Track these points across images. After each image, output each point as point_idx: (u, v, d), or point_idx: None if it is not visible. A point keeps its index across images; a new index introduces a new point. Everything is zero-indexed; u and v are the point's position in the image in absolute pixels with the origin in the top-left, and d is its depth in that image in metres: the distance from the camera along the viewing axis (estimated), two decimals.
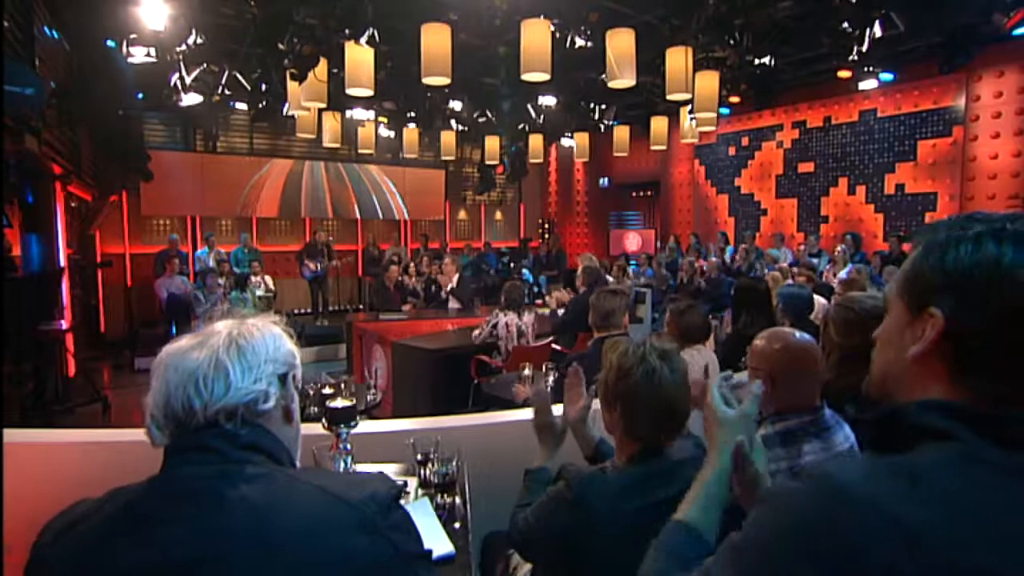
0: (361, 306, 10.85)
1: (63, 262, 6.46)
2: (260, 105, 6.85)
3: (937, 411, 0.63)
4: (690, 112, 6.37)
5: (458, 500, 1.70)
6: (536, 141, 8.92)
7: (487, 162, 9.80)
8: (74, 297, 7.48)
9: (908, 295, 0.69)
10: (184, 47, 4.06)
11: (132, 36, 4.12)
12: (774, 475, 1.61)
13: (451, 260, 7.90)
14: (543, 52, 4.15)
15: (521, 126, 8.76)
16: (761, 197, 10.52)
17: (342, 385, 3.57)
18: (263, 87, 6.47)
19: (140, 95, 5.94)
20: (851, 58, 6.55)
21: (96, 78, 5.15)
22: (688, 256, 9.52)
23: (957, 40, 6.64)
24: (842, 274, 8.04)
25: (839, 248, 8.03)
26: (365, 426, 2.73)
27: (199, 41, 4.10)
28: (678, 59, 4.81)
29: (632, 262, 10.41)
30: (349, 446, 1.80)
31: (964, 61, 6.80)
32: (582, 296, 5.10)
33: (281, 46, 4.57)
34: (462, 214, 13.33)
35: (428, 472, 1.73)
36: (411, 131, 8.30)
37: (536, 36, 4.14)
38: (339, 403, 1.79)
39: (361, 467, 1.90)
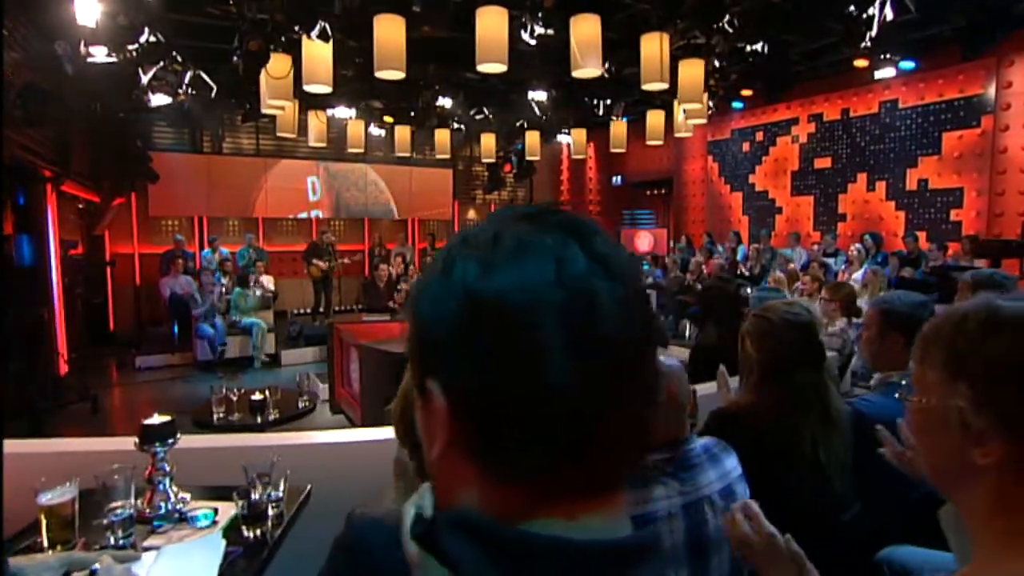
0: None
1: (54, 260, 6.59)
2: (247, 106, 6.83)
3: (445, 528, 0.42)
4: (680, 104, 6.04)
5: (272, 534, 1.51)
6: (532, 138, 8.67)
7: (484, 160, 9.62)
8: (74, 295, 7.64)
9: (414, 371, 0.47)
10: (137, 46, 4.01)
11: (89, 36, 4.08)
12: None
13: None
14: (500, 42, 3.93)
15: (520, 123, 8.52)
16: (776, 195, 10.02)
17: (268, 392, 3.46)
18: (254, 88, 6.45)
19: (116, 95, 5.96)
20: (863, 45, 6.09)
21: (74, 79, 5.18)
22: (698, 256, 9.15)
23: (980, 22, 6.10)
24: (857, 275, 7.56)
25: (854, 248, 7.54)
26: (220, 440, 2.56)
27: (152, 40, 4.04)
28: (652, 46, 4.52)
29: (643, 263, 10.09)
30: (168, 466, 1.64)
31: (989, 45, 6.26)
32: None
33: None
34: (471, 213, 13.17)
35: (244, 500, 1.54)
36: (403, 129, 8.16)
37: (492, 25, 3.93)
38: (155, 419, 1.63)
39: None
